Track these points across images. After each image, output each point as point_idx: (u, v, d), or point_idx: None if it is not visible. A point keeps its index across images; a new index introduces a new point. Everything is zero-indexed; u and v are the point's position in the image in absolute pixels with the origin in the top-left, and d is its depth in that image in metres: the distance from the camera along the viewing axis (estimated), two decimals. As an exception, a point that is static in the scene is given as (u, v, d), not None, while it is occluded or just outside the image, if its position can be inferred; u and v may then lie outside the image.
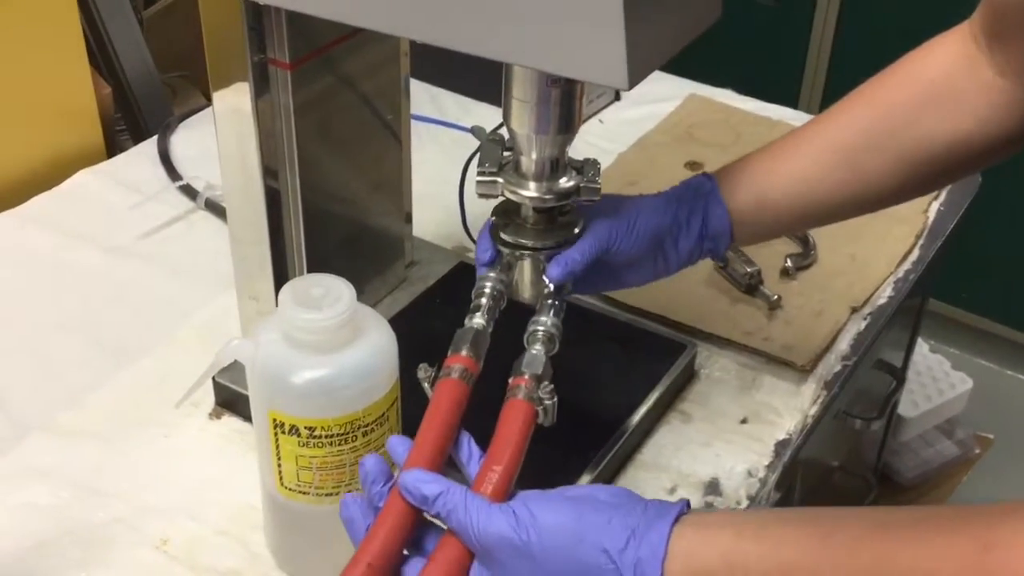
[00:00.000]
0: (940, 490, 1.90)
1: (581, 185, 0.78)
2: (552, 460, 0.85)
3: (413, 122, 1.02)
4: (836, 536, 0.58)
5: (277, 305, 0.74)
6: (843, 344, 1.05)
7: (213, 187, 1.20)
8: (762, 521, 0.62)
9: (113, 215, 1.20)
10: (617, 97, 1.42)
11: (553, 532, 0.62)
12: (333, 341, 0.73)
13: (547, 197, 0.78)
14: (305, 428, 0.74)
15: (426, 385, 0.73)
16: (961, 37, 0.80)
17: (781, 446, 0.95)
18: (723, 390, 1.00)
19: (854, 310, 1.09)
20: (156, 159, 1.29)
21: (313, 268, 0.90)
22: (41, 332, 1.05)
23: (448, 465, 0.69)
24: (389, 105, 0.97)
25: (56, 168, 1.27)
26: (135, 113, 1.45)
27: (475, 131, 0.84)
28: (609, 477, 0.90)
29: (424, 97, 1.40)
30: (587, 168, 0.79)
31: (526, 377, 0.71)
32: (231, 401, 0.95)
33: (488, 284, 0.79)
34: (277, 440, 0.75)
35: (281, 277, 0.90)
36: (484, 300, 0.78)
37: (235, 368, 0.78)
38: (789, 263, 1.13)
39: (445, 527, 0.65)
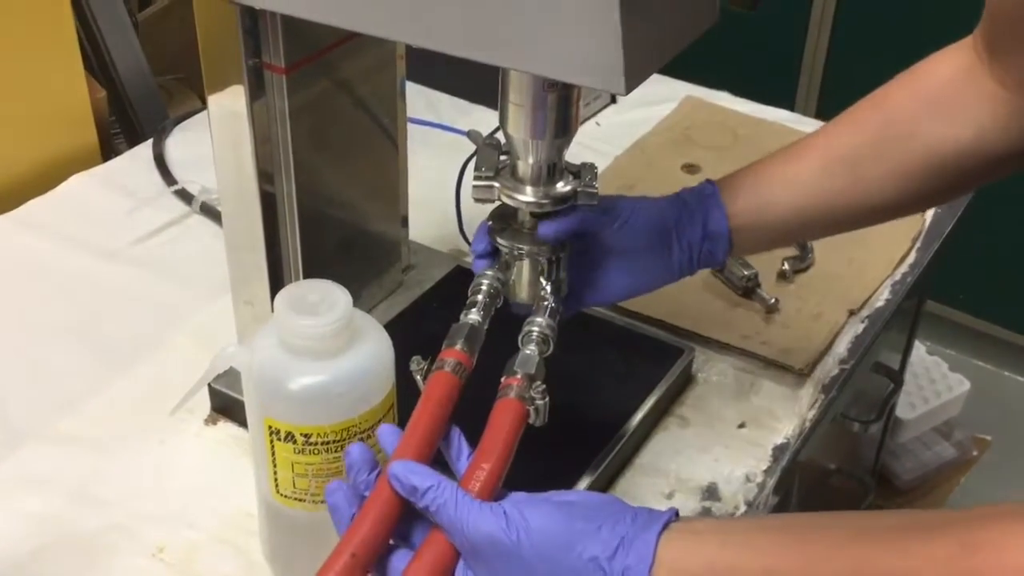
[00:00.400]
0: (938, 492, 1.90)
1: (578, 189, 0.78)
2: (549, 464, 0.85)
3: (409, 125, 1.02)
4: (818, 543, 0.59)
5: (273, 310, 0.74)
6: (841, 347, 1.05)
7: (209, 191, 1.20)
8: (747, 529, 0.63)
9: (108, 220, 1.20)
10: (613, 100, 1.42)
11: (543, 536, 0.62)
12: (329, 347, 0.73)
13: (544, 202, 0.78)
14: (301, 435, 0.74)
15: (419, 378, 0.73)
16: (964, 49, 0.80)
17: (779, 450, 0.95)
18: (721, 394, 1.00)
19: (852, 313, 1.09)
20: (151, 163, 1.28)
21: (309, 273, 0.90)
22: (35, 338, 1.05)
23: (435, 461, 0.69)
24: (385, 109, 0.97)
25: (50, 172, 1.26)
26: (130, 116, 1.45)
27: (471, 135, 0.84)
28: (607, 482, 0.90)
29: (420, 100, 1.40)
30: (584, 172, 0.79)
31: (519, 376, 0.72)
32: (227, 407, 0.95)
33: (485, 281, 0.80)
34: (273, 447, 0.75)
35: (277, 282, 0.89)
36: (480, 297, 0.78)
37: (231, 374, 0.78)
38: (786, 266, 1.13)
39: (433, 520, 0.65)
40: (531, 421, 0.71)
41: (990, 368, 2.20)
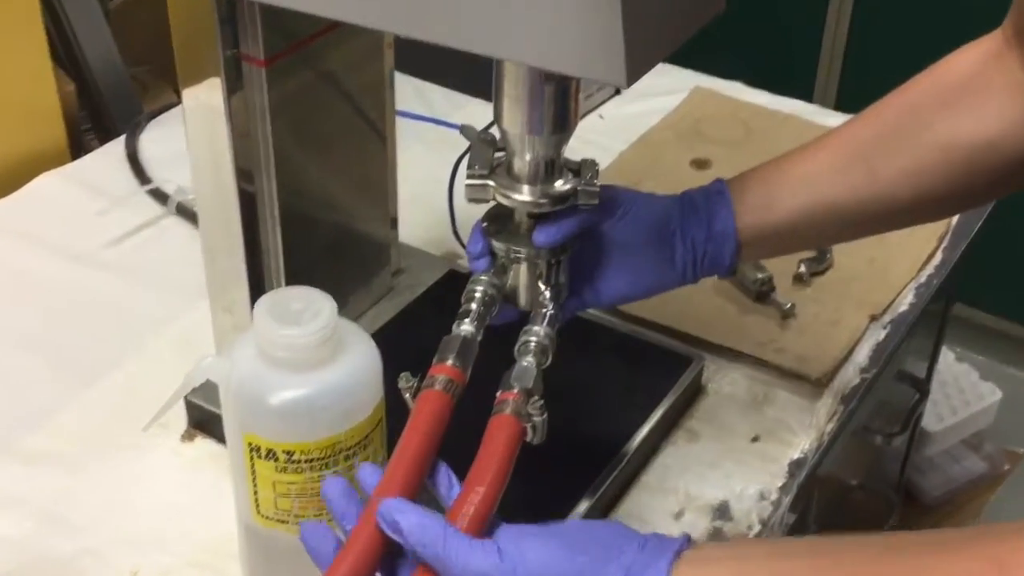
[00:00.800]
0: (967, 509, 1.90)
1: (578, 188, 0.78)
2: (548, 485, 0.85)
3: (398, 119, 1.02)
4: (842, 567, 0.59)
5: (253, 319, 0.74)
6: (861, 355, 1.06)
7: (185, 191, 1.20)
8: (768, 555, 0.62)
9: (78, 221, 1.20)
10: (617, 91, 1.42)
11: (541, 573, 0.61)
12: (313, 359, 0.73)
13: (541, 201, 0.78)
14: (283, 452, 0.74)
15: (407, 396, 0.73)
16: (992, 39, 0.80)
17: (795, 466, 0.95)
18: (733, 406, 1.00)
19: (873, 318, 1.10)
20: (124, 161, 1.29)
21: (292, 278, 0.90)
22: (0, 348, 1.05)
23: (428, 477, 0.69)
24: (372, 102, 0.97)
25: (16, 171, 1.27)
26: (101, 111, 1.45)
27: (464, 130, 0.84)
28: (610, 502, 0.90)
29: (410, 92, 1.40)
30: (584, 169, 0.79)
31: (515, 391, 0.72)
32: (205, 422, 0.95)
33: (479, 288, 0.79)
34: (253, 465, 0.75)
35: (257, 288, 0.90)
36: (474, 305, 0.78)
37: (209, 386, 0.78)
38: (803, 269, 1.13)
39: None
40: (528, 439, 0.71)
41: (1023, 376, 2.21)
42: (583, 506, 0.86)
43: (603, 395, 0.97)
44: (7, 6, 1.25)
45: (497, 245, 0.81)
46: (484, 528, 0.65)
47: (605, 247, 0.83)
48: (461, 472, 0.69)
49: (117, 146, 1.32)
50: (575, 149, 0.79)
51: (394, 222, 1.05)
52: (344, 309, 0.76)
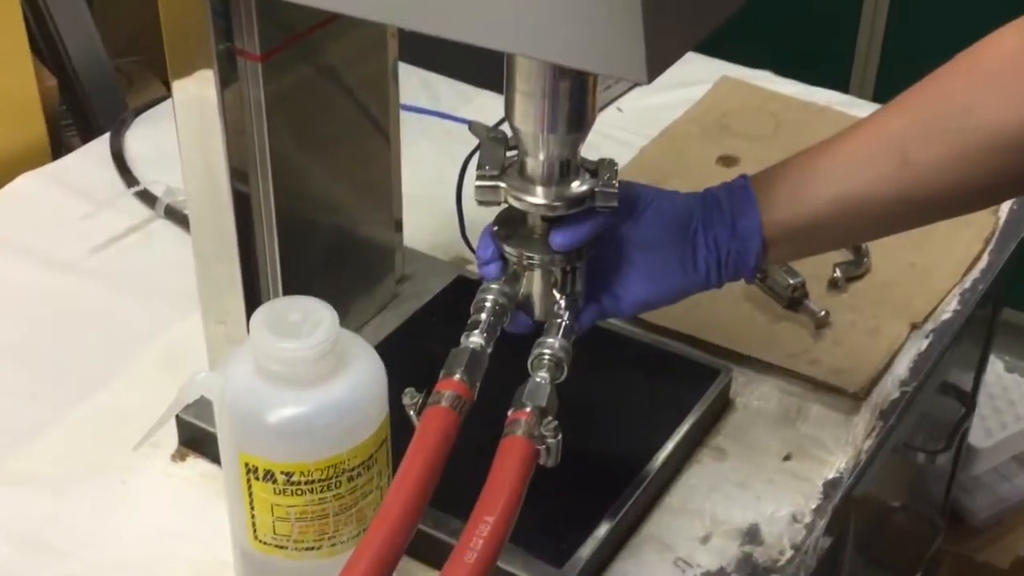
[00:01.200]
0: (1018, 531, 1.89)
1: (596, 189, 0.79)
2: (564, 507, 0.86)
3: (403, 114, 1.03)
4: None
5: (248, 331, 0.75)
6: (902, 366, 1.06)
7: (175, 192, 1.21)
8: None
9: (60, 226, 1.21)
10: (638, 82, 1.42)
11: None
12: (313, 373, 0.74)
13: (556, 204, 0.79)
14: (281, 473, 0.75)
15: (412, 413, 0.74)
16: None
17: (831, 486, 0.95)
18: (762, 422, 1.01)
19: (914, 326, 1.10)
20: (109, 160, 1.30)
21: (290, 287, 0.91)
22: (-22, 362, 1.06)
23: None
24: (375, 96, 0.98)
25: (-7, 172, 1.28)
26: (84, 107, 1.46)
27: (474, 128, 0.85)
28: (630, 525, 0.90)
29: (415, 84, 1.41)
30: (603, 169, 0.80)
31: (527, 410, 0.72)
32: (197, 441, 0.96)
33: (490, 297, 0.80)
34: (250, 487, 0.76)
35: (253, 298, 0.90)
36: (484, 316, 0.79)
37: (202, 403, 0.79)
38: (838, 273, 1.13)
39: None
40: (541, 462, 0.71)
41: (1079, 386, 2.20)
42: (602, 530, 0.86)
43: (623, 410, 0.97)
44: (-17, -1, 1.26)
45: (509, 250, 0.81)
46: (498, 553, 0.66)
47: (624, 249, 0.83)
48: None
49: (101, 144, 1.33)
50: (592, 145, 0.79)
51: (398, 225, 1.06)
52: (345, 319, 0.77)
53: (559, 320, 0.80)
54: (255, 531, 0.78)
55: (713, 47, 1.32)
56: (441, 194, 1.10)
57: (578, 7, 0.64)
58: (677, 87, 1.40)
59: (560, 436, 0.71)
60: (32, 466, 0.96)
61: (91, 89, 1.46)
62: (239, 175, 0.87)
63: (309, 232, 0.94)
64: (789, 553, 0.90)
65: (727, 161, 1.30)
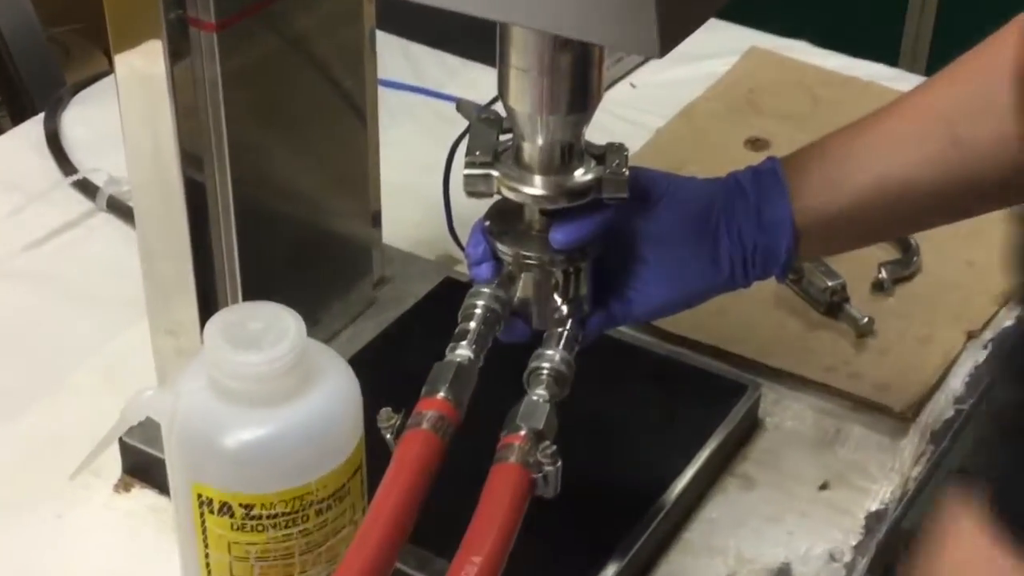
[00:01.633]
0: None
1: (603, 177, 0.79)
2: (566, 545, 0.86)
3: (381, 90, 1.03)
4: None
5: (203, 343, 0.75)
6: (956, 381, 1.06)
7: (118, 182, 1.21)
8: None
9: (-14, 220, 1.21)
10: (653, 53, 1.43)
11: None
12: (276, 391, 0.74)
13: (557, 196, 0.79)
14: (240, 506, 0.75)
15: (389, 437, 0.74)
16: None
17: (874, 519, 0.96)
18: (796, 446, 1.01)
19: (971, 335, 1.10)
20: (43, 145, 1.30)
21: (250, 291, 0.91)
22: None
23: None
24: (349, 70, 0.98)
25: (-90, 158, 1.28)
26: (14, 82, 1.46)
27: (461, 107, 0.85)
28: (643, 565, 0.90)
29: (396, 55, 1.41)
30: (611, 155, 0.80)
31: (522, 433, 0.72)
32: (144, 468, 0.96)
33: (480, 303, 0.80)
34: (204, 522, 0.76)
35: (207, 303, 0.91)
36: (473, 324, 0.79)
37: (149, 424, 0.79)
38: (884, 274, 1.14)
39: None
40: (538, 492, 0.72)
41: None
42: (611, 570, 0.86)
43: (634, 433, 0.97)
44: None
45: (503, 249, 0.82)
46: None
47: (635, 246, 0.83)
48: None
49: (34, 126, 1.33)
50: (601, 126, 0.80)
51: (376, 219, 1.06)
52: (313, 330, 0.77)
53: (560, 329, 0.80)
54: (210, 572, 0.78)
55: (740, 13, 1.32)
56: (425, 183, 1.10)
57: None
58: (698, 59, 1.40)
59: (560, 463, 0.72)
60: (-47, 498, 0.96)
61: (21, 62, 1.46)
62: (192, 161, 0.87)
63: (273, 227, 0.95)
64: (826, 597, 0.91)
65: (756, 144, 1.31)
